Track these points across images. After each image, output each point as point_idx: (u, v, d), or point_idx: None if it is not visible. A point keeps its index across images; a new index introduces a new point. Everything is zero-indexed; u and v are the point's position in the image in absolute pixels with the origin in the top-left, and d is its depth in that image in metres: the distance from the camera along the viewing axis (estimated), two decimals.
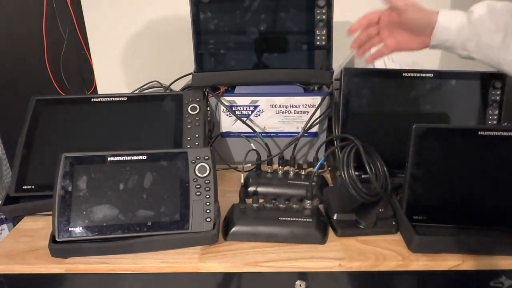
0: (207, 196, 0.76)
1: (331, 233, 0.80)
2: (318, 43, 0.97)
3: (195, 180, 0.77)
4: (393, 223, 0.80)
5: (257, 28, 0.96)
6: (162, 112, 0.98)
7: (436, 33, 0.72)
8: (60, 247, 0.72)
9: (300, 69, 0.99)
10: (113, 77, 1.27)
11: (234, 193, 0.87)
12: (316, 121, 1.01)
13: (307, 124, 1.01)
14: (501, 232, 0.78)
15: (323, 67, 0.98)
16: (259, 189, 0.93)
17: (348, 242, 0.78)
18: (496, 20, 0.66)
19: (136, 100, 1.00)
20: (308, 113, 1.02)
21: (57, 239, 0.72)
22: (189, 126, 0.96)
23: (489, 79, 0.96)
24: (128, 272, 0.74)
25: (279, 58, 0.99)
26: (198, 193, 0.76)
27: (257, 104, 1.02)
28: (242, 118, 1.02)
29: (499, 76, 0.95)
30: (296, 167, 0.97)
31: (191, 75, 1.02)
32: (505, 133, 0.76)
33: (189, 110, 0.98)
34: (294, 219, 0.79)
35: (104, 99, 0.98)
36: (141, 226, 0.73)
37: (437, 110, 0.97)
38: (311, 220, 0.79)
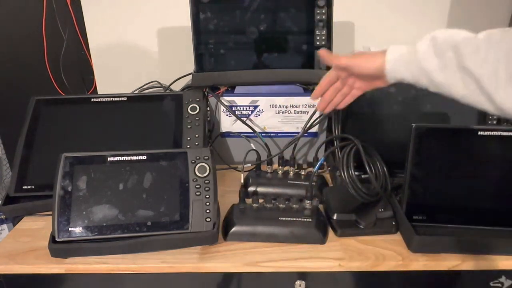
0: (207, 196, 0.76)
1: (331, 233, 0.80)
2: (318, 43, 0.97)
3: (195, 180, 0.77)
4: (393, 223, 0.80)
5: (257, 28, 0.96)
6: (162, 112, 0.98)
7: (388, 75, 0.70)
8: (60, 247, 0.72)
9: (300, 69, 0.99)
10: (113, 77, 1.27)
11: (234, 193, 0.87)
12: (316, 121, 1.01)
13: (307, 124, 1.01)
14: (501, 232, 0.78)
15: (323, 67, 0.98)
16: (259, 189, 0.93)
17: (348, 242, 0.78)
18: (440, 56, 0.63)
19: (136, 100, 1.00)
20: (308, 113, 1.02)
21: (57, 239, 0.72)
22: (189, 126, 0.96)
23: None
24: (128, 272, 0.74)
25: (279, 58, 0.99)
26: (198, 193, 0.76)
27: (257, 104, 1.02)
28: (242, 118, 1.02)
29: None
30: (296, 167, 0.97)
31: (191, 75, 1.02)
32: (505, 133, 0.76)
33: (189, 110, 0.98)
34: (294, 219, 0.79)
35: (104, 99, 0.98)
36: (141, 226, 0.73)
37: (437, 110, 0.97)
38: (311, 220, 0.79)
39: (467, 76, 0.59)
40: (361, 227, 0.80)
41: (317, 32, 0.96)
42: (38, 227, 0.84)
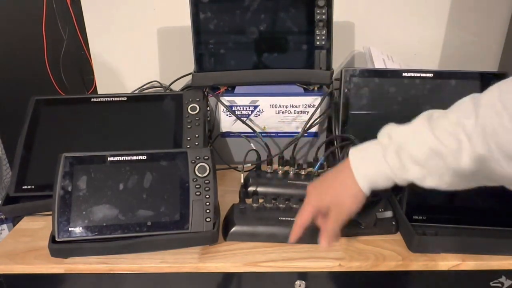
0: (207, 196, 0.76)
1: None
2: (318, 43, 0.97)
3: (195, 180, 0.77)
4: (393, 223, 0.80)
5: (257, 28, 0.96)
6: (162, 112, 0.98)
7: (367, 194, 0.64)
8: (60, 247, 0.72)
9: (300, 69, 0.99)
10: (113, 77, 1.27)
11: (234, 193, 0.87)
12: (316, 121, 1.01)
13: (307, 124, 1.01)
14: (501, 232, 0.78)
15: (323, 67, 0.98)
16: (259, 189, 0.93)
17: (348, 242, 0.78)
18: (420, 165, 0.57)
19: (136, 100, 1.00)
20: (308, 113, 1.02)
21: (57, 239, 0.72)
22: (189, 126, 0.96)
23: (489, 79, 0.95)
24: (128, 272, 0.74)
25: (279, 58, 0.99)
26: (198, 193, 0.76)
27: (257, 104, 1.02)
28: (242, 118, 1.02)
29: (499, 75, 0.95)
30: (296, 167, 0.97)
31: (191, 75, 1.02)
32: None
33: (189, 110, 0.98)
34: (294, 219, 0.78)
35: (104, 99, 0.98)
36: (141, 226, 0.73)
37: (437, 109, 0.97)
38: None
39: (467, 173, 0.53)
40: (361, 227, 0.80)
41: (317, 32, 0.96)
42: (38, 227, 0.84)
